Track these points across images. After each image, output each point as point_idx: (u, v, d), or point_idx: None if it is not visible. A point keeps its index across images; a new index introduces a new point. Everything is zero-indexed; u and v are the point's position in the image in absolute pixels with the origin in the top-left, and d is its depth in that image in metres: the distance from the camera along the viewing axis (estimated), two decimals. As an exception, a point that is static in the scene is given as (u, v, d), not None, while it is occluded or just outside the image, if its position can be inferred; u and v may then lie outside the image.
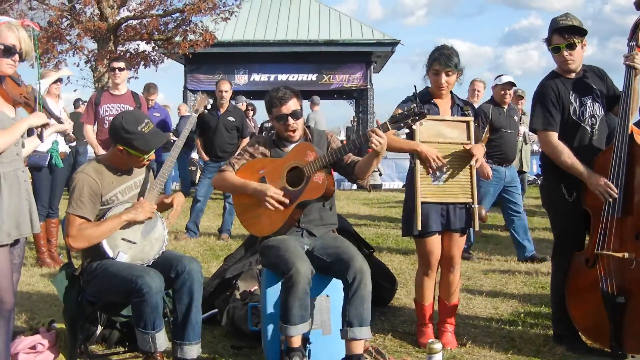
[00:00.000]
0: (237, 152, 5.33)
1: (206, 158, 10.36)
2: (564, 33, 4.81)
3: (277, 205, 4.69)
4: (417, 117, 4.40)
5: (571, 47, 4.80)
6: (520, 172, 11.09)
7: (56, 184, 8.32)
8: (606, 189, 4.60)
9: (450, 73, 5.08)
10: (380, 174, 19.24)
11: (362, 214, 13.55)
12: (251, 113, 16.66)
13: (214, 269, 7.67)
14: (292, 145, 4.92)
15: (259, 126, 16.03)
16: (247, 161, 4.98)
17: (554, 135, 4.83)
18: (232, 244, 9.53)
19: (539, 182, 17.82)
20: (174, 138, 12.72)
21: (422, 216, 5.02)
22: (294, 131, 4.88)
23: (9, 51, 3.96)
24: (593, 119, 4.88)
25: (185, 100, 26.00)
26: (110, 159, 4.61)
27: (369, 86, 26.33)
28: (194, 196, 10.46)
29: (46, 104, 4.40)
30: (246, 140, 10.56)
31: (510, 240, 9.43)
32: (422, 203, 5.01)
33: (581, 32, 4.86)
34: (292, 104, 4.84)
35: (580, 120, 4.85)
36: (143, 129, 4.48)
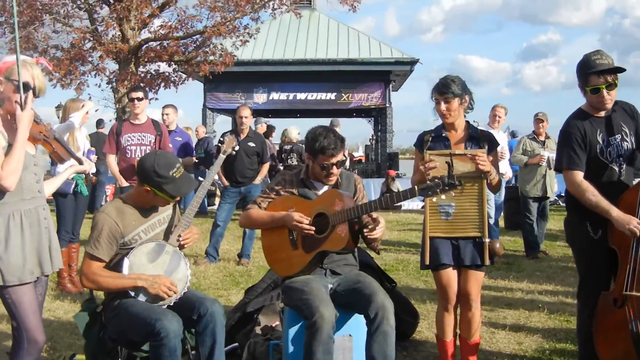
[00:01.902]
0: (262, 190, 5.31)
1: (226, 183, 10.36)
2: (604, 74, 4.71)
3: (302, 227, 4.69)
4: (447, 188, 4.37)
5: (611, 87, 4.71)
6: (544, 198, 11.01)
7: (79, 209, 8.38)
8: (635, 226, 4.52)
9: (449, 100, 5.07)
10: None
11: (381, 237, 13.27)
12: (272, 136, 16.61)
13: (233, 297, 7.67)
14: (323, 189, 4.91)
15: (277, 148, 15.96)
16: (274, 199, 4.98)
17: (579, 174, 4.75)
18: (252, 270, 9.53)
19: (560, 203, 17.94)
20: (196, 160, 12.74)
21: (432, 250, 5.05)
22: (334, 177, 4.88)
23: (24, 88, 3.98)
24: (620, 158, 4.79)
25: (204, 118, 26.08)
26: (135, 198, 4.60)
27: (387, 105, 26.26)
28: (213, 221, 10.43)
29: (67, 144, 4.39)
30: (266, 166, 10.60)
31: (533, 267, 9.36)
32: (431, 238, 5.03)
33: (618, 71, 4.77)
34: (340, 155, 4.85)
35: (608, 160, 4.78)
36: (174, 174, 4.46)
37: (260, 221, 4.99)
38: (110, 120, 18.68)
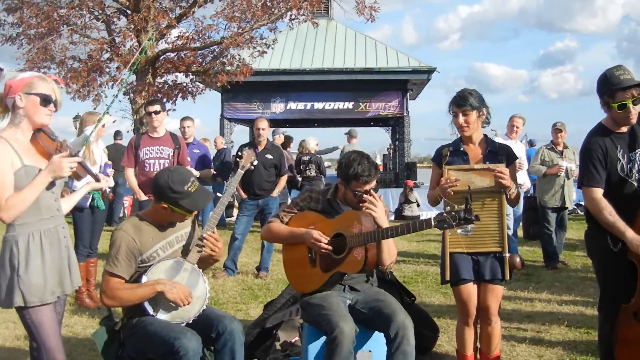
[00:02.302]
0: (287, 205, 5.30)
1: (244, 196, 10.36)
2: (632, 89, 4.67)
3: (321, 245, 4.70)
4: (463, 222, 4.35)
5: (636, 101, 4.67)
6: (563, 209, 10.96)
7: (96, 224, 8.37)
8: None
9: (467, 112, 5.08)
10: (418, 205, 19.13)
11: (400, 249, 13.17)
12: (290, 146, 16.61)
13: (252, 311, 7.65)
14: (346, 209, 4.90)
15: (294, 158, 15.89)
16: (296, 214, 4.98)
17: (598, 192, 4.71)
18: (270, 283, 9.52)
19: (579, 212, 17.85)
20: (214, 172, 12.75)
21: (452, 265, 5.06)
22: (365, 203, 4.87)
23: (45, 100, 4.00)
24: None
25: (222, 128, 26.13)
26: (152, 215, 4.60)
27: (405, 114, 26.25)
28: (232, 234, 10.42)
29: (84, 161, 4.40)
30: (284, 179, 10.58)
31: (552, 278, 9.30)
32: (451, 253, 5.02)
33: None
34: (374, 182, 4.85)
35: (628, 177, 4.74)
36: (189, 188, 4.46)
37: (281, 236, 5.01)
38: (128, 132, 18.78)
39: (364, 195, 4.69)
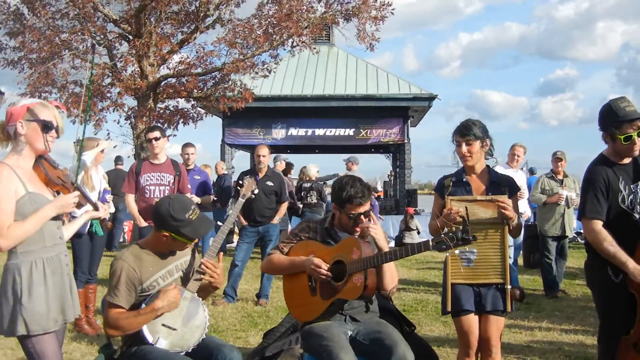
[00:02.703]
0: (285, 236, 5.30)
1: (244, 222, 10.35)
2: (637, 121, 4.67)
3: (320, 272, 4.70)
4: (461, 243, 4.36)
5: None
6: (563, 237, 10.95)
7: (95, 250, 8.34)
8: None
9: (470, 142, 5.09)
10: (419, 232, 19.06)
11: (400, 277, 13.06)
12: (291, 172, 16.59)
13: (252, 339, 7.63)
14: (344, 236, 4.89)
15: (295, 184, 15.87)
16: (296, 244, 4.98)
17: (598, 224, 4.72)
18: (270, 311, 9.48)
19: (579, 240, 17.81)
20: (214, 198, 12.74)
21: (453, 296, 5.05)
22: (360, 228, 4.86)
23: (47, 126, 4.01)
24: None
25: (223, 153, 26.08)
26: (152, 244, 4.59)
27: (405, 141, 26.20)
28: (232, 260, 10.39)
29: (84, 190, 4.40)
30: (285, 206, 10.57)
31: (553, 307, 9.28)
32: (453, 284, 5.02)
33: None
34: (368, 205, 4.86)
35: (630, 209, 4.74)
36: (191, 216, 4.46)
37: (281, 267, 5.02)
38: (129, 157, 18.79)
39: (361, 217, 4.71)
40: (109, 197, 7.84)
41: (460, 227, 4.39)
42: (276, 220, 10.40)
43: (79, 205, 4.51)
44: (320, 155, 34.19)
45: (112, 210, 8.80)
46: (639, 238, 4.66)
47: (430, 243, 4.43)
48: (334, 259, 4.75)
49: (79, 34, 18.49)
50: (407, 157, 26.48)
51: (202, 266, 4.62)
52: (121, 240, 18.27)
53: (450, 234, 4.40)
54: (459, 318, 5.09)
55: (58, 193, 4.24)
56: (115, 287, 4.38)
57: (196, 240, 4.70)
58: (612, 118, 4.73)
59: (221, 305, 9.86)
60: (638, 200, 4.74)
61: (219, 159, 24.67)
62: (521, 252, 12.83)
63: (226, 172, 17.27)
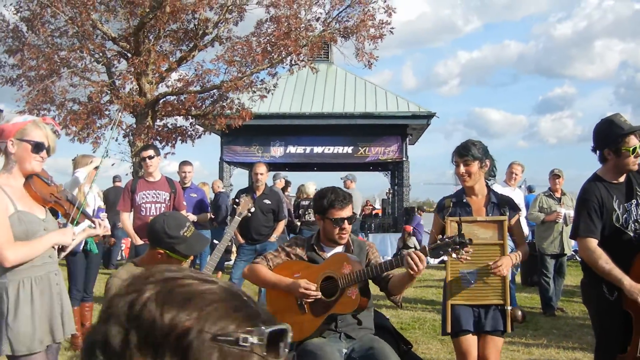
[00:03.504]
0: (274, 249, 5.28)
1: (242, 241, 10.35)
2: (638, 133, 4.71)
3: (309, 294, 4.67)
4: (458, 247, 4.36)
5: None
6: (561, 255, 10.94)
7: (91, 268, 8.35)
8: None
9: (469, 162, 5.10)
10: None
11: None
12: (288, 190, 16.61)
13: None
14: (331, 252, 4.88)
15: (293, 202, 15.88)
16: (284, 261, 4.95)
17: (593, 242, 4.72)
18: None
19: (577, 258, 17.78)
20: (212, 216, 12.74)
21: (453, 317, 5.07)
22: (346, 234, 4.84)
23: (37, 147, 4.00)
24: (636, 224, 4.75)
25: (221, 171, 26.09)
26: (148, 262, 4.56)
27: (404, 158, 26.24)
28: (229, 279, 10.38)
29: (85, 208, 4.39)
30: (282, 224, 10.56)
31: (550, 325, 9.26)
32: (453, 305, 5.00)
33: None
34: (349, 208, 4.83)
35: (624, 227, 4.74)
36: (185, 233, 4.44)
37: (266, 281, 4.94)
38: (127, 174, 18.79)
39: (345, 222, 4.72)
40: (102, 215, 7.83)
41: (457, 233, 4.41)
42: (273, 238, 10.39)
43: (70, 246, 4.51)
44: (319, 172, 34.25)
45: (108, 227, 8.78)
46: (633, 256, 4.66)
47: (427, 250, 4.42)
48: (323, 275, 4.73)
49: (78, 51, 18.56)
50: (405, 175, 26.50)
51: None
52: (119, 258, 18.25)
53: (447, 239, 4.41)
54: (457, 338, 5.10)
55: (53, 210, 4.23)
56: None
57: (192, 258, 4.68)
58: (617, 132, 4.72)
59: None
60: (632, 219, 4.75)
61: (217, 176, 24.71)
62: (519, 269, 12.83)
63: (223, 190, 17.28)
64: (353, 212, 4.96)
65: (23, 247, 3.86)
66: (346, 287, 4.62)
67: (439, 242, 4.46)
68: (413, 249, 4.53)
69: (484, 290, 5.03)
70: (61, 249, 4.32)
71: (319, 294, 4.67)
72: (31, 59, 18.01)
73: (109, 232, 5.28)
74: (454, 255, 4.48)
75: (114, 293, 1.28)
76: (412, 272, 4.38)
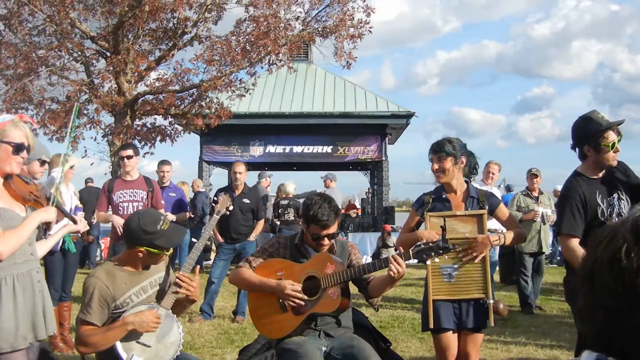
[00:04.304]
0: (255, 250, 5.27)
1: (221, 240, 10.34)
2: (617, 128, 4.78)
3: (295, 298, 4.66)
4: (441, 252, 4.41)
5: (619, 141, 4.77)
6: (539, 254, 11.01)
7: (69, 267, 8.31)
8: None
9: (442, 159, 5.15)
10: (396, 249, 19.03)
11: None
12: (268, 189, 16.61)
13: (228, 356, 7.60)
14: (314, 253, 4.88)
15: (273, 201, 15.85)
16: (265, 260, 4.95)
17: (574, 241, 4.76)
18: (247, 327, 9.43)
19: (559, 258, 17.89)
20: (191, 215, 12.72)
21: (434, 314, 5.08)
22: (324, 247, 4.85)
23: (19, 148, 3.98)
24: (619, 217, 4.79)
25: (200, 171, 26.05)
26: (126, 261, 4.57)
27: (383, 158, 26.28)
28: (208, 278, 10.37)
29: (60, 204, 4.38)
30: (261, 223, 10.55)
31: (529, 323, 9.32)
32: (434, 301, 5.01)
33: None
34: (333, 227, 4.80)
35: (607, 221, 4.78)
36: (162, 227, 4.46)
37: (250, 283, 4.93)
38: (105, 174, 18.75)
39: (325, 239, 4.74)
40: (80, 214, 7.79)
41: (440, 237, 4.44)
42: (252, 237, 10.39)
43: (55, 221, 4.50)
44: (298, 172, 34.25)
45: (87, 228, 8.73)
46: None
47: (411, 253, 4.45)
48: (305, 275, 4.75)
49: (56, 50, 18.51)
50: (384, 175, 26.56)
51: (178, 280, 4.60)
52: (98, 258, 18.19)
53: (431, 243, 4.43)
54: (437, 335, 5.14)
55: (32, 209, 4.22)
56: (88, 305, 4.35)
57: (171, 251, 4.67)
58: (596, 129, 4.78)
59: (197, 322, 9.81)
60: (616, 212, 4.80)
61: (197, 176, 24.65)
62: (497, 268, 12.90)
63: (202, 190, 17.26)
64: (337, 230, 4.96)
65: (11, 236, 3.85)
66: (328, 287, 4.63)
67: (422, 246, 4.48)
68: (397, 252, 4.53)
69: (466, 284, 5.05)
70: (46, 229, 4.31)
71: (305, 298, 4.68)
72: (9, 58, 17.88)
73: (88, 228, 5.26)
74: (436, 259, 4.51)
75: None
76: (393, 275, 4.41)
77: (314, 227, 4.77)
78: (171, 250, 4.66)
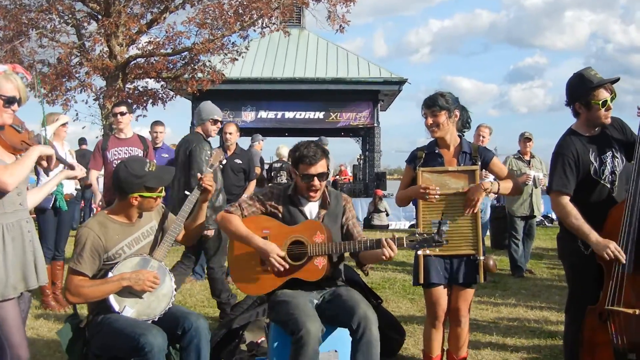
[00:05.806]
0: (248, 196, 5.19)
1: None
2: (610, 86, 4.75)
3: (278, 267, 4.63)
4: (434, 245, 4.43)
5: (613, 99, 4.76)
6: (531, 217, 11.01)
7: (62, 226, 8.29)
8: (614, 253, 4.50)
9: (436, 113, 5.11)
10: (387, 214, 19.11)
11: None
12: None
13: (219, 315, 7.60)
14: (308, 205, 4.88)
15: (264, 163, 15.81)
16: (255, 212, 4.91)
17: (565, 198, 4.75)
18: (237, 288, 9.42)
19: (546, 223, 17.98)
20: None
21: (425, 268, 5.08)
22: (316, 192, 4.81)
23: (10, 101, 3.96)
24: (613, 175, 4.78)
25: (192, 136, 25.93)
26: (119, 211, 4.56)
27: (375, 125, 26.27)
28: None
29: (56, 149, 4.35)
30: (253, 184, 10.50)
31: (519, 286, 9.36)
32: (425, 256, 5.04)
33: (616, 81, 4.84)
34: (320, 165, 4.74)
35: (600, 179, 4.78)
36: (150, 169, 4.47)
37: (236, 233, 4.84)
38: (97, 137, 18.58)
39: (315, 179, 4.72)
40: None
41: (436, 230, 4.44)
42: (244, 197, 10.33)
43: (46, 171, 4.49)
44: (290, 138, 34.23)
45: (74, 193, 8.69)
46: (609, 206, 4.72)
47: (405, 241, 4.45)
48: (293, 238, 4.71)
49: (47, 12, 18.30)
50: (376, 141, 26.57)
51: (201, 180, 4.80)
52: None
53: (425, 235, 4.45)
54: (428, 290, 5.15)
55: None
56: (79, 255, 4.35)
57: (163, 193, 4.65)
58: (587, 85, 4.75)
59: (189, 282, 9.80)
60: (609, 170, 4.79)
61: (189, 141, 24.54)
62: (488, 232, 12.93)
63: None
64: (327, 170, 4.89)
65: (15, 166, 3.86)
66: (314, 256, 4.63)
67: (417, 235, 4.47)
68: (390, 237, 4.52)
69: (457, 240, 5.04)
70: (47, 168, 4.28)
71: (287, 266, 4.66)
72: (-3, 19, 17.68)
73: (85, 174, 5.23)
74: (428, 251, 4.54)
75: None
76: (385, 258, 4.45)
77: (302, 166, 4.73)
78: (163, 193, 4.63)
